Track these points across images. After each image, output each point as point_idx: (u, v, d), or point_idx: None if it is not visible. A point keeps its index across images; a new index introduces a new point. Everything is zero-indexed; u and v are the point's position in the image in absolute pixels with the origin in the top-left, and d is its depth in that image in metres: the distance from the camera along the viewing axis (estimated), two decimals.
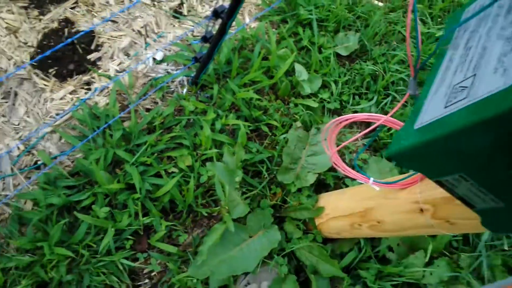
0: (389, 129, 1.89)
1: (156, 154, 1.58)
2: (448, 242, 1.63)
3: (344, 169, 1.11)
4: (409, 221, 1.04)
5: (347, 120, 1.02)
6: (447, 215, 0.90)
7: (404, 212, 1.04)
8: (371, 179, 1.08)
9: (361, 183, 1.15)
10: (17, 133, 1.57)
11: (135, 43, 1.85)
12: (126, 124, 1.66)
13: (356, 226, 1.28)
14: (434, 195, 0.92)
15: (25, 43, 1.71)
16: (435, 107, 0.56)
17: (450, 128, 0.48)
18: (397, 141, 0.61)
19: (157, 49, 1.86)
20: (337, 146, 1.13)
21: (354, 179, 1.67)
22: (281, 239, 1.43)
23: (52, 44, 1.74)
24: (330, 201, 1.46)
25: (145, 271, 1.48)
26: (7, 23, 1.72)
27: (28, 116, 1.60)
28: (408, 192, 1.03)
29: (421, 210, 0.97)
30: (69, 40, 1.11)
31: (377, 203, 1.16)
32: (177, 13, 1.98)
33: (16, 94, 1.62)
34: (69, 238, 1.39)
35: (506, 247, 1.61)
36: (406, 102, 2.01)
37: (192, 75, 1.76)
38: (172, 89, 1.79)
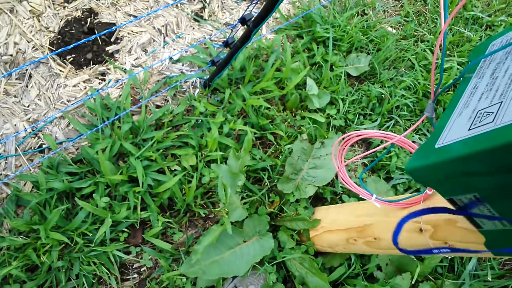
0: (389, 151, 1.81)
1: (161, 150, 1.49)
2: (434, 267, 1.56)
3: (350, 184, 1.03)
4: (407, 240, 0.98)
5: (360, 135, 0.92)
6: (446, 237, 0.87)
7: (404, 231, 0.98)
8: (374, 195, 1.03)
9: (363, 199, 1.09)
10: (26, 114, 1.47)
11: (154, 40, 1.76)
12: (135, 118, 1.56)
13: (352, 241, 1.21)
14: (437, 216, 0.88)
15: (47, 28, 1.62)
16: (458, 129, 0.56)
17: (477, 148, 0.49)
18: (417, 158, 0.60)
19: (174, 49, 1.77)
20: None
21: (352, 196, 1.60)
22: (274, 247, 1.35)
23: (73, 32, 1.65)
24: (328, 214, 1.37)
25: (135, 266, 1.38)
26: (32, 6, 1.63)
27: (39, 99, 1.50)
28: (409, 211, 0.97)
29: (421, 230, 0.92)
30: (94, 36, 1.02)
31: (376, 220, 1.10)
32: (198, 17, 1.89)
33: (30, 76, 1.53)
34: (65, 224, 1.29)
35: (489, 278, 1.54)
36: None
37: (206, 77, 1.67)
38: (184, 89, 1.70)
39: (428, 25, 2.38)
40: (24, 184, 1.37)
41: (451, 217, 0.85)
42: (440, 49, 0.65)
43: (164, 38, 1.78)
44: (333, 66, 1.95)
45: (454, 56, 2.21)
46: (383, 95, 1.95)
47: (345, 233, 1.22)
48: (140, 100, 1.61)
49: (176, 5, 1.87)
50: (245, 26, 1.21)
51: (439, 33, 2.25)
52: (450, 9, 2.40)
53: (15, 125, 1.44)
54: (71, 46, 1.04)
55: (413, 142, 1.75)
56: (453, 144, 0.54)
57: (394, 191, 1.65)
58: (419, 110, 1.99)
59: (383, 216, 1.06)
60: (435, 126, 0.64)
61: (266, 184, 1.54)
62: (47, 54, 1.56)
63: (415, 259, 1.49)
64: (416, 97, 2.00)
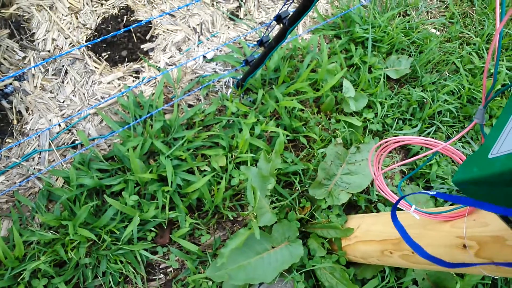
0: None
1: (191, 150, 1.47)
2: (475, 284, 1.46)
3: (387, 193, 0.97)
4: (448, 255, 0.92)
5: (399, 142, 0.86)
6: (494, 256, 0.80)
7: (444, 246, 0.92)
8: (413, 206, 0.96)
9: (401, 210, 1.02)
10: (61, 110, 1.49)
11: (189, 39, 1.75)
12: (167, 116, 1.56)
13: (387, 253, 1.14)
14: (483, 232, 0.81)
15: (84, 25, 1.64)
16: None
17: None
18: (467, 169, 0.55)
19: (208, 48, 1.75)
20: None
21: (388, 205, 1.53)
22: (303, 255, 1.30)
23: (109, 29, 1.66)
24: (362, 223, 1.31)
25: (161, 266, 1.37)
26: (70, 3, 1.66)
27: (74, 96, 1.52)
28: (451, 225, 0.91)
29: (464, 246, 0.85)
30: (126, 28, 1.01)
31: (414, 233, 1.03)
32: (233, 16, 1.87)
33: (66, 73, 1.55)
34: (94, 221, 1.30)
35: None
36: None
37: (239, 77, 1.65)
38: (217, 89, 1.68)
39: (474, 27, 2.26)
40: (56, 179, 1.39)
41: (499, 234, 0.78)
42: (495, 51, 0.58)
43: (199, 37, 1.77)
44: (371, 68, 1.88)
45: (503, 60, 2.09)
46: (425, 100, 1.86)
47: (380, 244, 1.16)
48: (173, 99, 1.60)
49: (212, 4, 1.86)
50: (281, 24, 1.17)
51: (487, 35, 2.13)
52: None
53: (50, 120, 1.46)
54: (102, 38, 1.04)
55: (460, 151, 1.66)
56: (510, 155, 0.49)
57: (433, 202, 1.56)
58: (463, 117, 1.88)
59: (423, 229, 1.00)
60: (486, 134, 0.59)
61: (297, 188, 1.50)
62: (79, 46, 1.58)
63: (454, 274, 1.40)
64: (460, 102, 1.90)
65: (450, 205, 1.58)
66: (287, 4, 1.14)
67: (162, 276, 1.35)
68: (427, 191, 0.77)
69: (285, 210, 1.44)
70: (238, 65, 1.69)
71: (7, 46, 1.54)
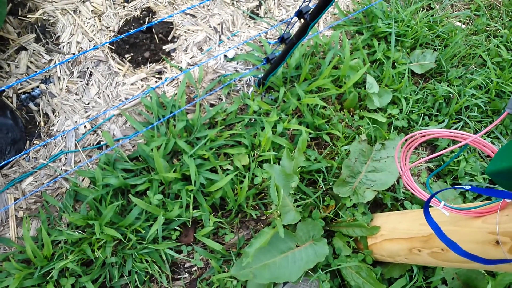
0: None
1: (214, 149, 1.47)
2: (508, 284, 1.41)
3: (415, 190, 0.94)
4: (479, 252, 0.88)
5: (427, 135, 0.83)
6: None
7: (476, 242, 0.88)
8: (442, 202, 0.93)
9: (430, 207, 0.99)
10: (86, 111, 1.51)
11: (210, 39, 1.75)
12: (189, 116, 1.56)
13: (415, 251, 1.11)
14: None
15: (107, 27, 1.66)
16: None
17: None
18: (502, 158, 0.54)
19: (229, 47, 1.75)
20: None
21: (415, 203, 1.49)
22: (328, 254, 1.28)
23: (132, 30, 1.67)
24: (388, 221, 1.28)
25: (186, 265, 1.37)
26: (94, 6, 1.68)
27: (98, 97, 1.54)
28: (483, 221, 0.87)
29: (497, 242, 0.82)
30: (148, 24, 1.01)
31: (444, 230, 1.00)
32: (253, 14, 1.86)
33: (91, 75, 1.57)
34: (119, 220, 1.31)
35: None
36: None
37: (260, 76, 1.63)
38: (238, 88, 1.67)
39: (502, 19, 2.18)
40: (82, 180, 1.41)
41: None
42: None
43: (220, 36, 1.77)
44: (395, 63, 1.83)
45: None
46: (451, 95, 1.81)
47: (407, 242, 1.13)
48: (195, 99, 1.60)
49: (232, 3, 1.85)
50: (302, 20, 1.15)
51: None
52: None
53: (75, 122, 1.48)
54: (122, 36, 1.04)
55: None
56: None
57: (462, 199, 1.51)
58: (492, 111, 1.82)
59: (452, 225, 0.96)
60: None
61: (321, 186, 1.47)
62: (97, 45, 1.60)
63: (485, 274, 1.35)
64: (488, 97, 1.83)
65: (483, 200, 1.53)
66: (307, 0, 1.12)
67: (187, 275, 1.35)
68: (461, 185, 0.74)
69: (309, 209, 1.42)
70: (259, 63, 1.68)
71: (34, 50, 1.57)
